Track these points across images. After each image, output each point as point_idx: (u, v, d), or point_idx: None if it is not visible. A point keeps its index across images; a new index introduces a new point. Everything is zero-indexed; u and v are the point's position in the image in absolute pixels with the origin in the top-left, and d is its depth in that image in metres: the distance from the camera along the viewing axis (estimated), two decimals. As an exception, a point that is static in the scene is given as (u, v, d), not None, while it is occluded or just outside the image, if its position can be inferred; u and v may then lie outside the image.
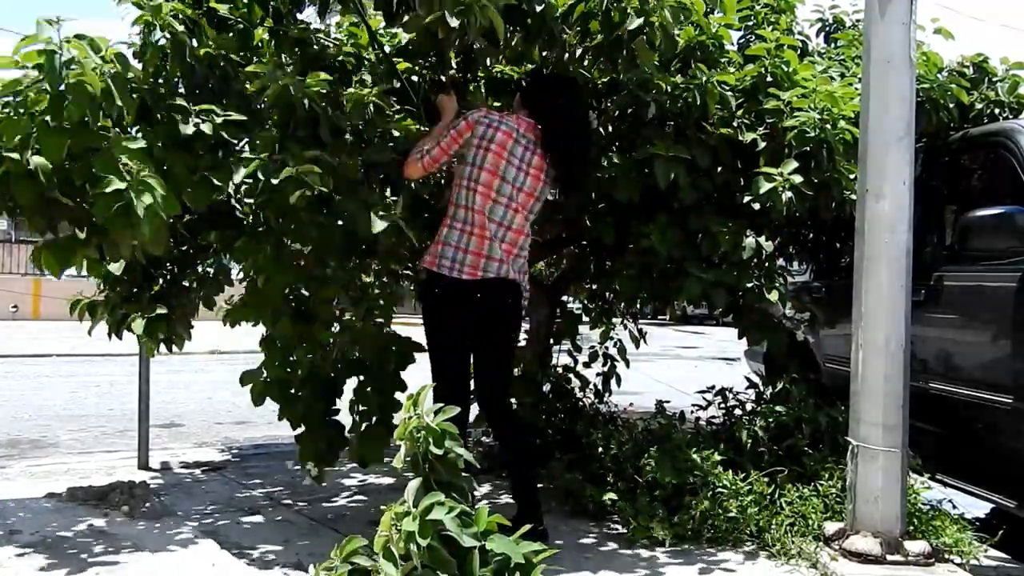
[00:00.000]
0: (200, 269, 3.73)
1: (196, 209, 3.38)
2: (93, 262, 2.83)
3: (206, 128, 2.85)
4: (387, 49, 3.52)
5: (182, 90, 3.06)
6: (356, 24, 3.65)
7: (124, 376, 7.12)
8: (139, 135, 2.73)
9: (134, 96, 2.76)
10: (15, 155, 2.45)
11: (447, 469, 2.33)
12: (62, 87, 2.42)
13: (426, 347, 3.20)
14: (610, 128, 3.90)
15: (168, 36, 2.88)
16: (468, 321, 3.05)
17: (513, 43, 3.46)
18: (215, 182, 2.85)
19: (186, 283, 3.64)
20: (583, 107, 3.39)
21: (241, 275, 3.99)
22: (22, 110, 2.49)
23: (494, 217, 3.02)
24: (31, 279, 16.38)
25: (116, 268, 3.38)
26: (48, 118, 2.44)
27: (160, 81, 2.99)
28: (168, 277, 3.59)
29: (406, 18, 3.03)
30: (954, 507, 3.29)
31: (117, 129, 2.68)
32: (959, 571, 2.86)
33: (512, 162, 3.03)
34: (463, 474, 2.37)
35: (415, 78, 3.46)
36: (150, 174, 2.51)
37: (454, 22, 2.71)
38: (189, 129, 2.83)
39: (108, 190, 2.43)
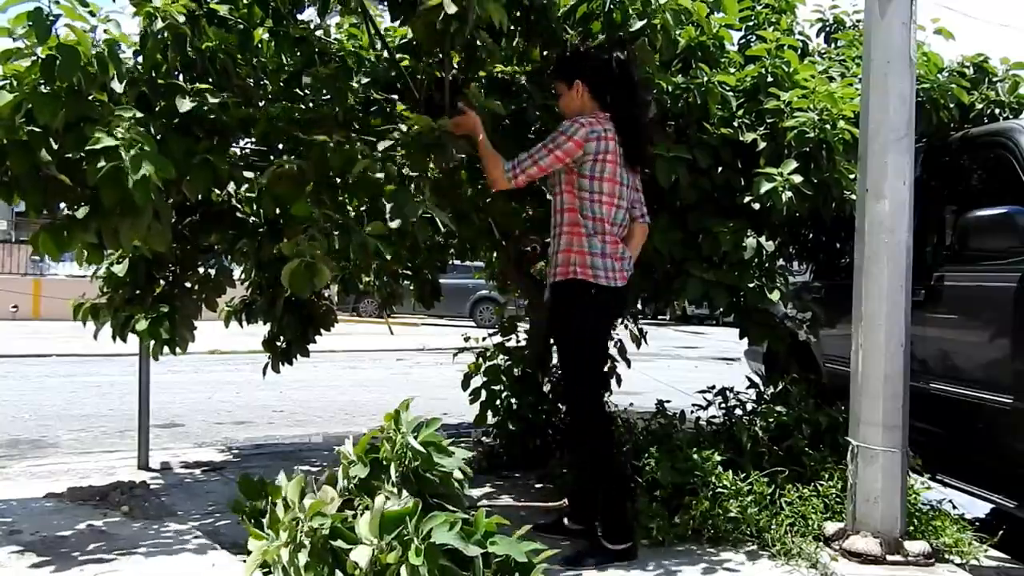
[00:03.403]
0: (202, 271, 3.73)
1: (197, 207, 3.39)
2: (92, 248, 2.81)
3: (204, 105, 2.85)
4: (390, 46, 3.51)
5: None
6: (356, 25, 3.66)
7: (124, 376, 7.12)
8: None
9: (135, 80, 2.77)
10: (8, 123, 2.46)
11: (440, 479, 2.34)
12: (53, 52, 2.43)
13: (576, 356, 3.13)
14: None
15: (167, 27, 2.87)
16: (612, 323, 3.16)
17: (514, 43, 3.46)
18: (214, 165, 2.84)
19: (188, 284, 3.65)
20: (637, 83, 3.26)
21: (242, 276, 4.00)
22: (15, 83, 2.49)
23: (617, 221, 3.09)
24: (31, 279, 16.38)
25: (119, 270, 3.38)
26: (41, 84, 2.45)
27: (159, 73, 2.99)
28: (170, 279, 3.59)
29: (407, 15, 3.03)
30: (954, 507, 3.29)
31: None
32: (959, 571, 2.86)
33: (622, 164, 3.07)
34: (459, 478, 2.38)
35: (419, 76, 3.45)
36: (141, 135, 2.49)
37: (452, 8, 2.69)
38: (186, 105, 2.80)
39: (98, 147, 2.41)
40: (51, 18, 2.47)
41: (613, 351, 4.54)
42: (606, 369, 4.32)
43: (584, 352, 3.10)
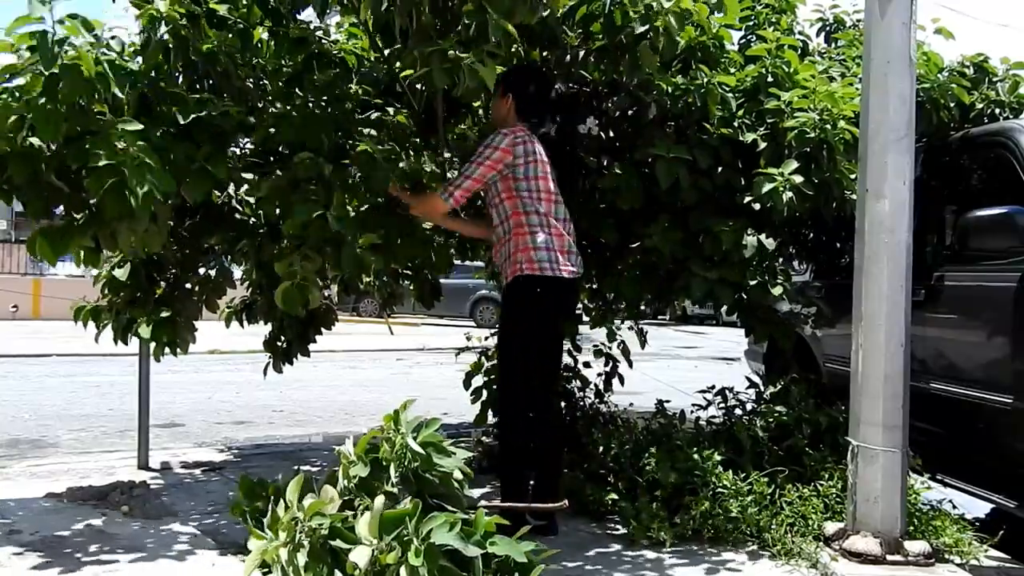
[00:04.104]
0: (202, 272, 3.73)
1: (197, 208, 3.39)
2: (89, 252, 2.82)
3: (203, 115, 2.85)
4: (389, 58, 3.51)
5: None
6: (356, 25, 3.65)
7: (124, 376, 7.12)
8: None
9: (138, 86, 2.77)
10: (10, 135, 2.47)
11: (439, 480, 2.33)
12: (56, 70, 2.43)
13: (514, 350, 3.26)
14: (611, 131, 3.89)
15: (170, 31, 2.87)
16: (559, 318, 3.27)
17: (513, 48, 3.45)
18: (213, 173, 2.84)
19: (189, 286, 3.64)
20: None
21: (242, 276, 4.00)
22: (18, 94, 2.50)
23: (558, 216, 3.23)
24: (31, 279, 16.38)
25: (121, 274, 3.38)
26: (43, 100, 2.45)
27: (161, 75, 2.99)
28: (171, 280, 3.59)
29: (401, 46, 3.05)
30: (954, 507, 3.29)
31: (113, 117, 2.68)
32: (959, 571, 2.86)
33: (548, 163, 3.22)
34: (458, 478, 2.38)
35: (419, 85, 3.44)
36: (144, 150, 2.50)
37: (441, 82, 2.74)
38: (186, 116, 2.81)
39: (100, 164, 2.43)
40: (56, 44, 2.46)
41: (615, 352, 4.56)
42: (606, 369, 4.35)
43: (523, 344, 3.21)
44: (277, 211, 3.07)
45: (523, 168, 3.14)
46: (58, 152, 2.58)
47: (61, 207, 2.78)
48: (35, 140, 2.52)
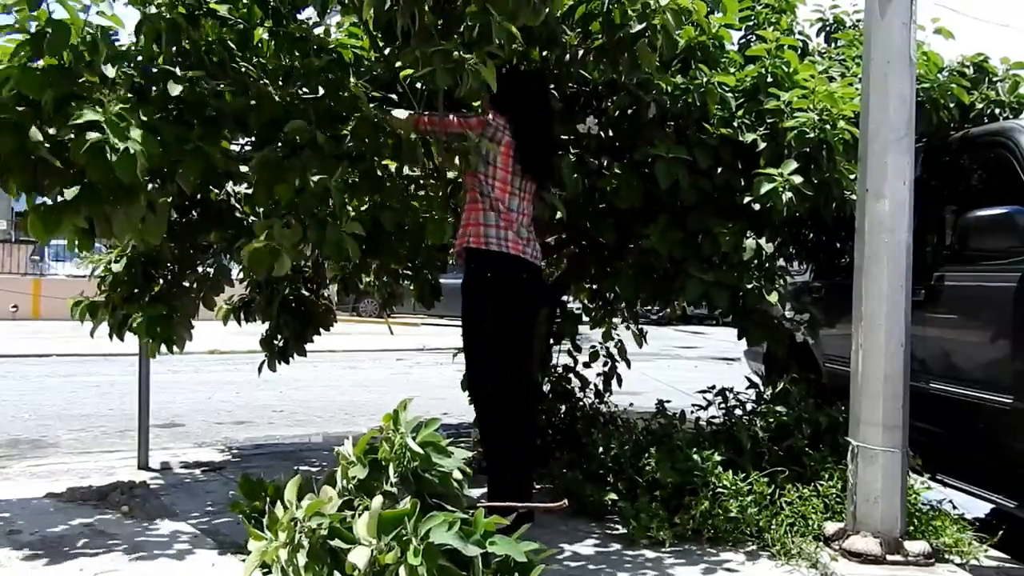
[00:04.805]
0: (200, 269, 3.73)
1: (195, 205, 3.38)
2: (82, 234, 2.79)
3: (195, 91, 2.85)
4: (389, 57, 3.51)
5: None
6: (356, 25, 3.65)
7: (124, 376, 7.12)
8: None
9: (128, 71, 2.76)
10: None
11: (439, 480, 2.33)
12: (44, 25, 2.45)
13: (471, 331, 3.32)
14: (610, 131, 3.89)
15: (158, 18, 2.85)
16: (507, 292, 3.29)
17: (513, 45, 3.45)
18: (208, 153, 2.83)
19: (186, 283, 3.64)
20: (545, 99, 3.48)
21: (241, 275, 4.00)
22: (3, 59, 2.50)
23: (511, 207, 3.28)
24: (31, 279, 16.38)
25: (118, 268, 3.38)
26: (30, 60, 2.46)
27: (154, 62, 2.97)
28: (168, 277, 3.59)
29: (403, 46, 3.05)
30: (954, 507, 3.29)
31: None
32: (959, 571, 2.86)
33: (515, 157, 3.26)
34: (458, 478, 2.38)
35: (419, 85, 3.43)
36: (128, 111, 2.49)
37: (444, 83, 2.74)
38: (177, 89, 2.80)
39: (81, 121, 2.41)
40: None
41: (613, 350, 4.56)
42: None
43: (478, 328, 3.28)
44: (273, 205, 3.06)
45: (486, 151, 3.23)
46: (47, 121, 2.56)
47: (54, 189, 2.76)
48: (23, 108, 2.50)
